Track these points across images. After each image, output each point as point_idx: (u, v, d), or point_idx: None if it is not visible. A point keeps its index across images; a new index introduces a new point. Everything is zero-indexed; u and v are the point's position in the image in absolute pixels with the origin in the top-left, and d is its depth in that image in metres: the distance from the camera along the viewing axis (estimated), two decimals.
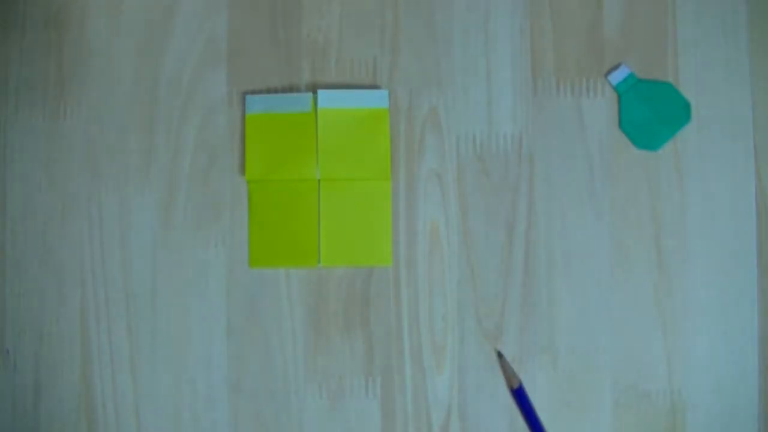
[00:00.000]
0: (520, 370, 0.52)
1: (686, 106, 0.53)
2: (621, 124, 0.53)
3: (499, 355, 0.52)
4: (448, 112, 0.54)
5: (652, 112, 0.53)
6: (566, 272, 0.53)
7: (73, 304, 0.54)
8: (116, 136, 0.55)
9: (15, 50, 0.55)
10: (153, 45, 0.55)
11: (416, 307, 0.53)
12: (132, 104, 0.55)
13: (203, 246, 0.54)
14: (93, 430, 0.53)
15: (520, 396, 0.51)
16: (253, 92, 0.55)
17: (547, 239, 0.53)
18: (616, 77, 0.53)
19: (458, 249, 0.53)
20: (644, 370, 0.52)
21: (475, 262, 0.53)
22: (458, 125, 0.54)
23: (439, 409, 0.52)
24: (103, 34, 0.55)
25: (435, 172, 0.54)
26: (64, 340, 0.54)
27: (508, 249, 0.53)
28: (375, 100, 0.53)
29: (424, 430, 0.52)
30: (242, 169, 0.54)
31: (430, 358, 0.53)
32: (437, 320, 0.53)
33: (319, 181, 0.53)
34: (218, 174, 0.54)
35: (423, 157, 0.54)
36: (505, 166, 0.54)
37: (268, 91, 0.55)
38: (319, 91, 0.53)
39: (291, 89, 0.54)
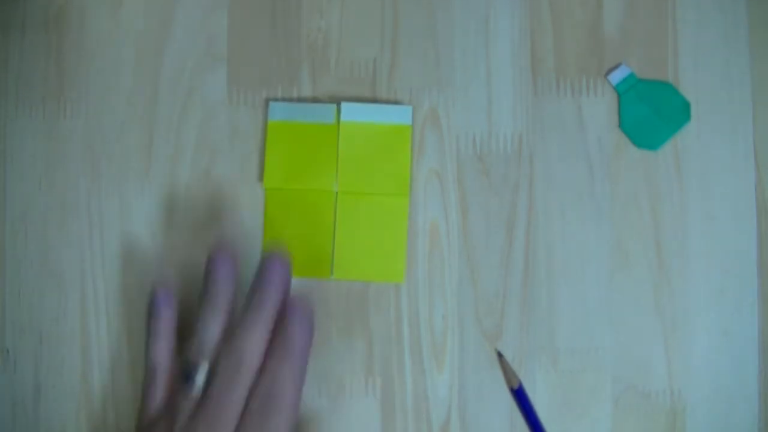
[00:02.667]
0: (520, 370, 0.52)
1: (686, 106, 0.53)
2: (621, 124, 0.53)
3: (499, 355, 0.52)
4: (448, 112, 0.54)
5: (652, 112, 0.53)
6: (566, 272, 0.53)
7: (73, 304, 0.54)
8: (116, 136, 0.55)
9: (15, 50, 0.55)
10: (153, 45, 0.55)
11: (416, 307, 0.53)
12: (132, 104, 0.55)
13: (203, 246, 0.54)
14: (93, 430, 0.53)
15: (520, 396, 0.52)
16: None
17: (547, 239, 0.53)
18: (616, 77, 0.53)
19: (458, 249, 0.53)
20: (644, 370, 0.52)
21: (475, 262, 0.53)
22: (458, 125, 0.54)
23: (439, 409, 0.53)
24: (103, 34, 0.55)
25: (435, 172, 0.54)
26: (64, 340, 0.54)
27: (508, 249, 0.53)
28: (398, 115, 0.53)
29: (424, 430, 0.52)
30: (242, 168, 0.54)
31: (430, 358, 0.53)
32: (437, 320, 0.53)
33: (336, 193, 0.53)
34: (218, 174, 0.54)
35: (423, 157, 0.54)
36: (505, 166, 0.54)
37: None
38: (343, 104, 0.53)
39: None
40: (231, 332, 0.47)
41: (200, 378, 0.47)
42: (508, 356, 0.53)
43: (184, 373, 0.47)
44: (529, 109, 0.54)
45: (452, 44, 0.54)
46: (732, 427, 0.52)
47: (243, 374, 0.46)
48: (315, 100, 0.54)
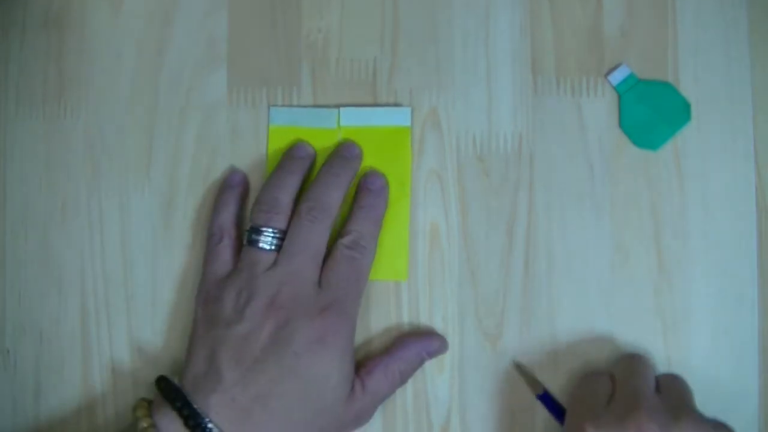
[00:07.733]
0: None
1: (686, 106, 0.53)
2: (621, 124, 0.53)
3: (518, 366, 0.52)
4: (448, 112, 0.54)
5: (652, 112, 0.53)
6: (566, 272, 0.53)
7: (73, 304, 0.54)
8: (116, 136, 0.55)
9: (15, 50, 0.55)
10: (153, 45, 0.55)
11: (416, 306, 0.53)
12: (132, 104, 0.55)
13: (203, 246, 0.54)
14: (93, 430, 0.53)
15: (546, 401, 0.51)
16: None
17: (547, 239, 0.53)
18: (616, 77, 0.53)
19: (458, 249, 0.53)
20: None
21: (475, 262, 0.53)
22: (458, 125, 0.54)
23: (439, 409, 0.52)
24: (103, 34, 0.55)
25: (435, 172, 0.54)
26: (64, 340, 0.54)
27: (508, 249, 0.53)
28: (397, 118, 0.53)
29: (424, 430, 0.52)
30: (242, 168, 0.54)
31: None
32: (437, 320, 0.53)
33: None
34: (218, 174, 0.54)
35: (423, 157, 0.54)
36: (505, 166, 0.54)
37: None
38: (342, 109, 0.53)
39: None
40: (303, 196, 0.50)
41: (268, 240, 0.49)
42: (508, 356, 0.52)
43: (250, 236, 0.49)
44: (529, 109, 0.54)
45: (452, 44, 0.54)
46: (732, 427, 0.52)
47: (323, 220, 0.49)
48: (315, 100, 0.54)
